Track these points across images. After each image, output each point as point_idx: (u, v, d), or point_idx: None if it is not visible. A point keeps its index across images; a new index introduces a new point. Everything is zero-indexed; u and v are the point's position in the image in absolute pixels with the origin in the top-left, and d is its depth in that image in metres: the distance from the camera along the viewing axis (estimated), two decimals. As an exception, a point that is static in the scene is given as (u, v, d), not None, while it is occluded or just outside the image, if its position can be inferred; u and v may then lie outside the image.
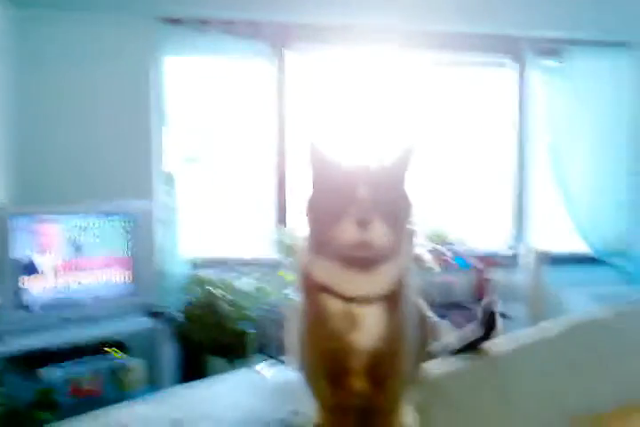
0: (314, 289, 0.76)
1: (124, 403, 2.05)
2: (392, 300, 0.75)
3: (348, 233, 0.71)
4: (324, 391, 0.78)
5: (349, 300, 0.74)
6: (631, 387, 1.11)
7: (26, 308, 2.65)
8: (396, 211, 0.73)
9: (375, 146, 0.83)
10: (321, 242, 0.74)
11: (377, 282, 0.75)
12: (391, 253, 0.74)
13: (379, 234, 0.71)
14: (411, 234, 0.78)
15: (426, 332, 0.87)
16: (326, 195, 0.74)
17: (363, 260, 0.73)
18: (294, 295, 0.80)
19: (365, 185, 0.72)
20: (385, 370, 0.76)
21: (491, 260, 3.64)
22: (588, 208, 3.75)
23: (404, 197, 0.76)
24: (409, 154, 0.77)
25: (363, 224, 0.70)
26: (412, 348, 0.80)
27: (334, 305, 0.75)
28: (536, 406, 0.97)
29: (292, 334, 0.82)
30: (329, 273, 0.75)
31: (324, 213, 0.73)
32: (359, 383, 0.76)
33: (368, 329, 0.74)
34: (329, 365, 0.77)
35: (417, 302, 0.85)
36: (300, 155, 0.78)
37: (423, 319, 0.87)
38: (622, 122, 3.72)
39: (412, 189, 0.78)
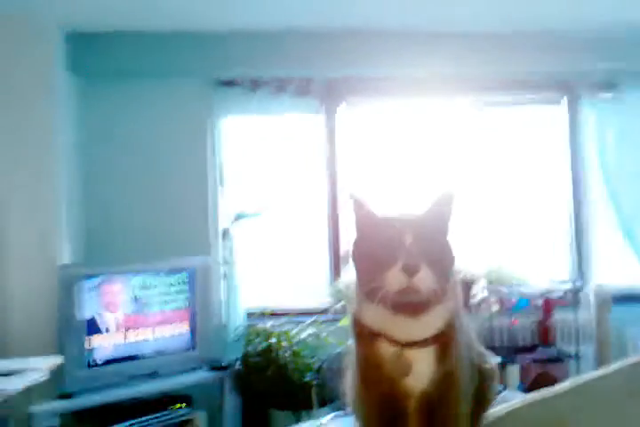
0: (365, 335, 0.78)
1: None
2: (443, 343, 0.75)
3: (396, 280, 0.72)
4: None
5: (400, 344, 0.75)
6: None
7: (91, 366, 2.70)
8: (440, 257, 0.75)
9: (421, 194, 0.85)
10: (369, 289, 0.75)
11: (427, 326, 0.76)
12: (439, 297, 0.75)
13: (425, 280, 0.72)
14: (457, 279, 0.79)
15: (485, 377, 0.86)
16: (372, 243, 0.76)
17: (411, 305, 0.74)
18: (350, 343, 0.81)
19: (410, 232, 0.74)
20: (439, 415, 0.75)
21: (554, 300, 3.55)
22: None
23: (448, 244, 0.78)
24: (451, 200, 0.79)
25: (410, 271, 0.72)
26: (470, 391, 0.79)
27: (386, 350, 0.76)
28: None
29: (350, 383, 0.83)
30: (379, 319, 0.77)
31: (370, 260, 0.75)
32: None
33: (420, 372, 0.75)
34: (383, 411, 0.77)
35: (473, 344, 0.85)
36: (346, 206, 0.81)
37: (483, 363, 0.86)
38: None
39: (455, 236, 0.80)
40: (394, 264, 0.73)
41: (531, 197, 3.81)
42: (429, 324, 0.76)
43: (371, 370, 0.77)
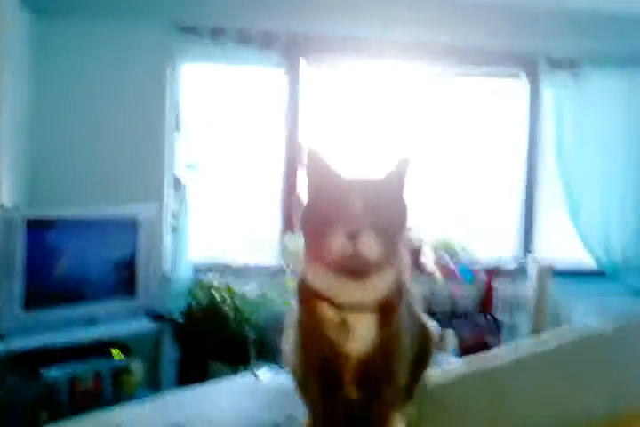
0: (309, 296, 0.77)
1: (124, 404, 2.05)
2: (386, 308, 0.75)
3: (339, 245, 0.71)
4: (316, 400, 0.78)
5: (342, 307, 0.75)
6: (628, 399, 1.10)
7: (27, 308, 2.65)
8: (389, 223, 0.74)
9: (377, 157, 0.84)
10: (314, 251, 0.75)
11: (370, 290, 0.75)
12: (385, 263, 0.74)
13: (369, 246, 0.71)
14: (406, 245, 0.78)
15: (425, 341, 0.86)
16: (320, 205, 0.74)
17: (355, 269, 0.73)
18: (294, 302, 0.80)
19: (358, 197, 0.73)
20: (378, 378, 0.76)
21: (496, 271, 3.63)
22: (595, 222, 3.74)
23: (399, 209, 0.77)
24: (406, 166, 0.78)
25: (354, 236, 0.71)
26: (409, 357, 0.80)
27: (328, 312, 0.75)
28: (532, 416, 0.96)
29: (289, 341, 0.82)
30: (323, 281, 0.76)
31: (317, 223, 0.74)
32: (352, 392, 0.76)
33: (360, 337, 0.75)
34: (322, 373, 0.77)
35: (416, 311, 0.85)
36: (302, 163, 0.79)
37: (423, 329, 0.86)
38: (633, 139, 3.71)
39: (410, 200, 0.78)
40: (338, 228, 0.72)
41: (484, 169, 3.85)
42: (372, 289, 0.75)
43: (312, 332, 0.77)
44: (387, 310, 0.75)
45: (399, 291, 0.77)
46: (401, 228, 0.76)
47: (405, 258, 0.81)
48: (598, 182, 3.72)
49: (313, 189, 0.77)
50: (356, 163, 0.83)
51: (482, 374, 0.98)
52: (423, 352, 0.86)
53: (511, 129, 3.87)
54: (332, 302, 0.75)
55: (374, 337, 0.74)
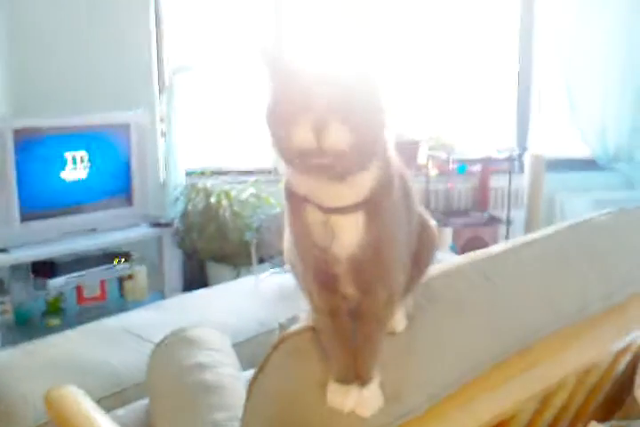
0: (295, 201, 0.74)
1: (130, 310, 2.12)
2: (370, 208, 0.72)
3: (301, 139, 0.65)
4: (316, 296, 0.78)
5: (326, 210, 0.72)
6: (622, 285, 1.12)
7: (25, 220, 2.65)
8: (363, 115, 0.66)
9: (351, 50, 0.76)
10: (279, 149, 0.69)
11: (351, 191, 0.71)
12: (365, 160, 0.69)
13: (337, 139, 0.64)
14: (389, 141, 0.73)
15: (427, 237, 0.85)
16: (283, 100, 0.68)
17: (325, 168, 0.67)
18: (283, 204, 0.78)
19: (326, 85, 0.65)
20: (370, 278, 0.75)
21: (492, 166, 3.62)
22: (593, 114, 3.68)
23: (375, 102, 0.69)
24: (381, 55, 0.70)
25: (317, 128, 0.64)
26: (405, 254, 0.79)
27: (313, 216, 0.72)
28: (526, 303, 0.98)
29: (286, 243, 0.81)
30: (304, 184, 0.72)
31: (280, 120, 0.67)
32: (348, 289, 0.76)
33: (345, 239, 0.72)
34: (317, 272, 0.77)
35: (414, 207, 0.83)
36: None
37: (423, 224, 0.85)
38: (636, 30, 3.56)
39: (390, 95, 0.72)
40: (303, 122, 0.65)
41: (478, 64, 3.73)
42: (353, 189, 0.71)
43: (301, 235, 0.75)
44: (372, 211, 0.71)
45: (386, 189, 0.73)
46: (379, 120, 0.68)
47: (391, 155, 0.75)
48: (597, 72, 3.62)
49: (275, 85, 0.70)
50: (323, 57, 0.75)
51: (474, 265, 0.99)
52: (424, 248, 0.85)
53: (507, 21, 3.71)
54: (316, 205, 0.72)
55: (361, 238, 0.72)
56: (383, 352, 0.78)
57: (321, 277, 0.76)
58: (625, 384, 1.33)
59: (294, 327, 0.84)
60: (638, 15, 3.55)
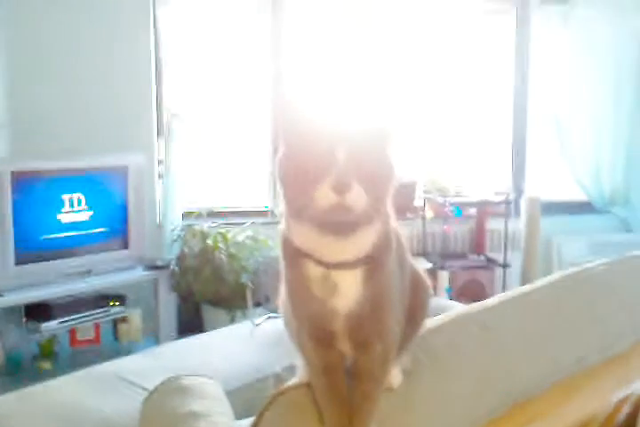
0: (293, 254, 0.75)
1: (124, 354, 2.09)
2: (372, 264, 0.73)
3: (325, 198, 0.68)
4: (312, 353, 0.78)
5: (327, 265, 0.73)
6: (619, 339, 1.11)
7: (20, 264, 2.63)
8: (376, 175, 0.70)
9: (361, 103, 0.79)
10: (297, 206, 0.71)
11: (355, 247, 0.73)
12: (370, 218, 0.71)
13: (357, 199, 0.68)
14: (391, 197, 0.75)
15: (420, 292, 0.85)
16: (301, 156, 0.70)
17: (340, 224, 0.70)
18: (280, 258, 0.78)
19: (344, 146, 0.68)
20: (367, 334, 0.75)
21: (489, 209, 3.64)
22: (587, 157, 3.72)
23: (386, 160, 0.73)
24: (394, 115, 0.73)
25: (340, 189, 0.67)
26: (400, 310, 0.79)
27: (314, 271, 0.73)
28: (525, 354, 0.97)
29: (282, 295, 0.81)
30: (307, 239, 0.73)
31: (299, 175, 0.69)
32: (344, 346, 0.76)
33: (346, 294, 0.73)
34: (313, 328, 0.77)
35: (407, 261, 0.83)
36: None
37: (416, 279, 0.85)
38: (626, 71, 3.64)
39: (398, 152, 0.75)
40: (323, 181, 0.68)
41: (475, 109, 3.80)
42: (357, 245, 0.72)
43: (299, 290, 0.75)
44: (373, 266, 0.73)
45: (386, 245, 0.74)
46: (389, 179, 0.72)
47: (392, 210, 0.77)
48: (592, 115, 3.68)
49: (290, 138, 0.73)
50: (342, 106, 0.77)
51: (472, 317, 0.98)
52: (418, 302, 0.85)
53: (503, 67, 3.79)
54: (316, 260, 0.73)
55: (361, 293, 0.73)
56: (380, 409, 0.77)
57: (317, 334, 0.76)
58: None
59: (292, 381, 0.83)
60: (628, 57, 3.62)
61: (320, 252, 0.72)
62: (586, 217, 3.82)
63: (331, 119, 0.73)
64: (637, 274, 1.30)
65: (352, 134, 0.71)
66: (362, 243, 0.72)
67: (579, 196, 3.83)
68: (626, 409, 1.22)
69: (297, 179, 0.70)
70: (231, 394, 1.65)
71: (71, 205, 2.78)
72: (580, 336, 1.05)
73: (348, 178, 0.67)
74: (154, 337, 3.03)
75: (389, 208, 0.76)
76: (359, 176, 0.68)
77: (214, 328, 2.36)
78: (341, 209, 0.68)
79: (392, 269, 0.75)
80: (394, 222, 0.78)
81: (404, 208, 3.46)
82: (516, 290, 1.11)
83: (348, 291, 0.73)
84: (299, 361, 0.87)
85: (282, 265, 0.77)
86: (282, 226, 0.76)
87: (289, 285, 0.77)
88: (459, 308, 1.04)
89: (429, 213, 3.57)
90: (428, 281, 0.88)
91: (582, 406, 1.00)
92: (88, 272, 2.82)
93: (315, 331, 0.76)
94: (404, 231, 0.85)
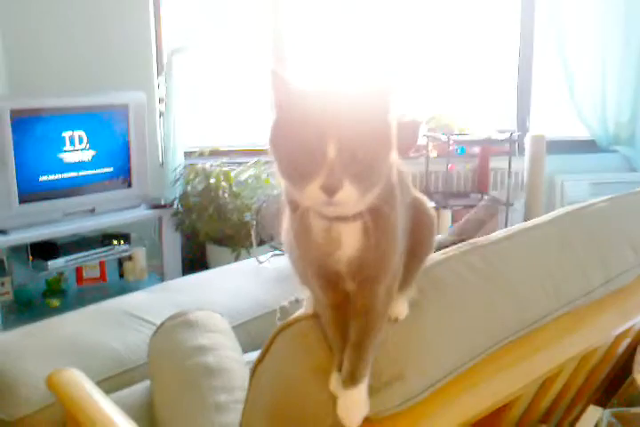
0: (297, 205, 0.74)
1: (129, 291, 2.11)
2: (373, 216, 0.72)
3: (314, 197, 0.66)
4: (318, 291, 0.79)
5: (330, 218, 0.72)
6: (623, 268, 1.12)
7: (28, 201, 2.64)
8: (370, 169, 0.67)
9: (361, 54, 0.74)
10: (289, 198, 0.72)
11: (358, 207, 0.71)
12: (372, 195, 0.70)
13: (348, 198, 0.66)
14: (394, 161, 0.73)
15: (425, 226, 0.85)
16: (291, 147, 0.67)
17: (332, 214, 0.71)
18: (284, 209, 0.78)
19: (335, 140, 0.65)
20: (369, 275, 0.75)
21: (493, 148, 3.60)
22: (593, 95, 3.66)
23: (384, 143, 0.69)
24: (388, 95, 0.68)
25: (330, 190, 0.65)
26: (403, 253, 0.79)
27: (316, 222, 0.73)
28: (529, 288, 0.98)
29: (285, 235, 0.81)
30: (306, 199, 0.72)
31: (290, 168, 0.68)
32: (350, 286, 0.77)
33: (350, 245, 0.73)
34: (318, 270, 0.78)
35: (414, 198, 0.83)
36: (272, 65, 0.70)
37: (422, 213, 0.85)
38: (635, 9, 3.52)
39: (394, 126, 0.70)
40: (313, 180, 0.66)
41: (479, 46, 3.70)
42: (357, 206, 0.71)
43: (303, 237, 0.76)
44: (374, 218, 0.72)
45: (389, 196, 0.73)
46: (384, 171, 0.70)
47: (392, 173, 0.74)
48: (597, 52, 3.59)
49: (281, 110, 0.70)
50: (337, 62, 0.72)
51: (477, 251, 0.98)
52: (423, 236, 0.85)
53: (508, 4, 3.68)
54: (319, 213, 0.73)
55: (364, 244, 0.73)
56: (386, 339, 0.78)
57: (322, 275, 0.77)
58: (623, 367, 1.34)
59: (298, 312, 0.84)
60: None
61: (321, 209, 0.72)
62: (590, 156, 3.79)
63: (324, 102, 0.68)
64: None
65: (347, 124, 0.66)
66: (362, 205, 0.71)
67: (583, 134, 3.79)
68: (626, 341, 1.25)
69: (289, 169, 0.69)
70: (238, 328, 1.69)
71: (72, 143, 2.76)
72: (584, 270, 1.06)
73: (338, 178, 0.65)
74: (159, 275, 3.07)
75: (393, 161, 0.74)
76: (350, 173, 0.66)
77: (219, 266, 2.37)
78: (331, 206, 0.67)
79: (396, 216, 0.75)
80: (397, 163, 0.77)
81: (408, 147, 3.43)
82: (519, 225, 1.11)
83: (351, 242, 0.73)
84: (305, 294, 0.88)
85: (286, 210, 0.77)
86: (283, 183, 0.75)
87: (294, 231, 0.77)
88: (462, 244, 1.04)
89: (433, 152, 3.54)
90: (434, 216, 0.88)
91: (585, 338, 1.02)
92: (92, 211, 2.83)
93: (320, 273, 0.77)
94: (407, 169, 0.84)
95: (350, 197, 0.67)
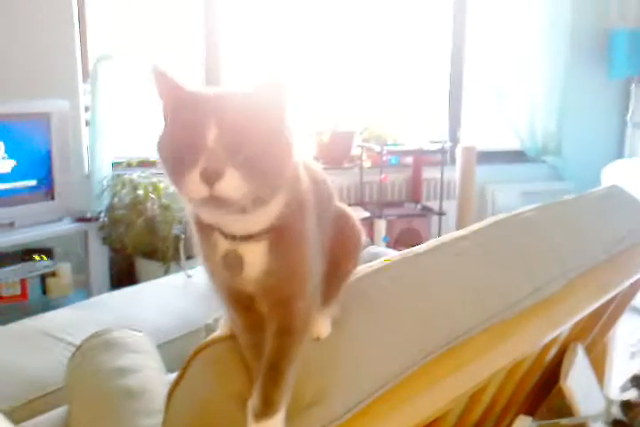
0: (203, 226, 0.70)
1: (53, 309, 2.01)
2: (279, 234, 0.68)
3: (194, 188, 0.60)
4: (233, 313, 0.75)
5: (234, 238, 0.68)
6: (548, 281, 1.12)
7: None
8: (259, 155, 0.61)
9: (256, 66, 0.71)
10: (177, 189, 0.64)
11: (259, 220, 0.67)
12: (266, 198, 0.64)
13: (232, 188, 0.60)
14: (297, 167, 0.69)
15: (350, 241, 0.82)
16: (172, 133, 0.63)
17: (220, 212, 0.64)
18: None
19: (217, 122, 0.60)
20: (281, 296, 0.71)
21: (425, 158, 3.64)
22: (522, 107, 3.75)
23: (276, 135, 0.63)
24: (283, 80, 0.64)
25: (209, 178, 0.59)
26: (318, 268, 0.75)
27: (221, 243, 0.69)
28: (455, 301, 0.96)
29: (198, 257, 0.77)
30: (209, 216, 0.68)
31: (170, 157, 0.62)
32: (263, 307, 0.73)
33: (254, 266, 0.69)
34: (230, 292, 0.74)
35: (337, 211, 0.80)
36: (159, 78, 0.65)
37: (348, 229, 0.82)
38: (561, 18, 3.64)
39: (292, 121, 0.65)
40: (193, 167, 0.60)
41: (412, 57, 3.75)
42: (258, 220, 0.67)
43: (209, 259, 0.72)
44: (280, 236, 0.68)
45: (294, 213, 0.68)
46: (281, 156, 0.63)
47: (300, 179, 0.70)
48: (526, 63, 3.69)
49: (165, 113, 0.66)
50: (258, 60, 0.69)
51: (404, 264, 0.97)
52: (347, 251, 0.82)
53: (439, 13, 3.74)
54: (223, 233, 0.68)
55: (270, 264, 0.69)
56: (307, 360, 0.74)
57: (234, 296, 0.74)
58: (551, 375, 1.34)
59: (213, 335, 0.79)
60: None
61: (223, 225, 0.68)
62: (519, 166, 3.89)
63: (208, 91, 0.64)
64: (566, 218, 1.31)
65: (226, 106, 0.62)
66: (264, 216, 0.67)
67: (513, 145, 3.89)
68: (553, 350, 1.25)
69: (170, 162, 0.63)
70: (165, 346, 1.63)
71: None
72: (511, 281, 1.05)
73: (218, 165, 0.59)
74: (85, 292, 2.94)
75: (297, 172, 0.69)
76: (234, 159, 0.60)
77: (148, 281, 2.29)
78: (214, 201, 0.61)
79: (306, 233, 0.71)
80: (310, 170, 0.74)
81: (342, 157, 3.43)
82: (447, 236, 1.10)
83: (255, 263, 0.69)
84: (222, 314, 0.84)
85: (193, 232, 0.72)
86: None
87: (200, 252, 0.73)
88: (389, 255, 1.02)
89: (366, 162, 3.55)
90: (360, 229, 0.85)
91: (513, 349, 1.01)
92: (11, 224, 2.69)
93: (232, 295, 0.74)
94: (332, 178, 0.80)
95: (233, 189, 0.60)
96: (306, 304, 0.73)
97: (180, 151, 0.61)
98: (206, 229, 0.69)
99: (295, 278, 0.71)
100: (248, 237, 0.67)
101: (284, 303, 0.72)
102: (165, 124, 0.65)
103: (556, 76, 3.73)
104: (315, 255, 0.73)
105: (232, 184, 0.60)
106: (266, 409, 0.69)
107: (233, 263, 0.69)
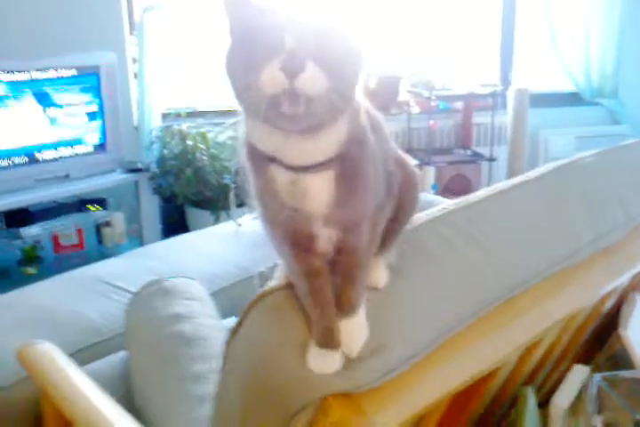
0: (260, 159, 0.67)
1: (108, 258, 2.06)
2: (344, 164, 0.66)
3: (272, 82, 0.58)
4: (291, 258, 0.73)
5: (294, 168, 0.65)
6: (611, 226, 1.08)
7: (0, 168, 2.55)
8: (340, 53, 0.60)
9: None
10: (243, 99, 0.62)
11: (324, 147, 0.65)
12: (340, 108, 0.61)
13: (313, 82, 0.58)
14: (361, 89, 0.66)
15: (408, 186, 0.79)
16: (249, 38, 0.60)
17: (301, 119, 0.60)
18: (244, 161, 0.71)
19: (295, 28, 0.58)
20: (347, 235, 0.70)
21: (475, 103, 3.54)
22: (577, 48, 3.59)
23: (351, 39, 0.62)
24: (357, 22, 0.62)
25: (291, 68, 0.57)
26: (384, 206, 0.74)
27: (281, 176, 0.66)
28: (515, 248, 0.94)
29: (254, 199, 0.74)
30: (269, 141, 0.65)
31: (246, 61, 0.60)
32: (323, 248, 0.71)
33: (319, 199, 0.66)
34: (288, 233, 0.71)
35: (395, 155, 0.77)
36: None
37: (404, 172, 0.79)
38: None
39: (365, 37, 0.63)
40: (271, 61, 0.58)
41: (462, 0, 3.60)
42: (324, 144, 0.64)
43: (268, 197, 0.69)
44: (345, 167, 0.66)
45: (359, 141, 0.67)
46: (354, 63, 0.62)
47: (363, 103, 0.68)
48: (580, 7, 3.51)
49: (235, 27, 0.64)
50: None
51: (461, 211, 0.94)
52: (404, 198, 0.80)
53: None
54: (283, 164, 0.65)
55: (335, 196, 0.66)
56: (366, 306, 0.75)
57: (294, 238, 0.71)
58: (608, 323, 1.32)
59: (272, 283, 0.79)
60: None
61: (285, 155, 0.65)
62: (573, 109, 3.75)
63: (283, 10, 0.61)
64: (629, 163, 1.26)
65: (309, 13, 0.60)
66: (330, 142, 0.65)
67: (567, 87, 3.74)
68: (612, 300, 1.22)
69: (244, 63, 0.60)
70: (218, 294, 1.66)
71: (44, 106, 2.65)
72: (572, 229, 1.02)
73: (299, 57, 0.58)
74: (138, 240, 3.01)
75: (359, 100, 0.67)
76: (319, 56, 0.58)
77: (199, 229, 2.32)
78: (294, 95, 0.58)
79: (371, 165, 0.69)
80: (370, 112, 0.71)
81: (389, 103, 3.36)
82: (504, 183, 1.06)
83: (320, 195, 0.66)
84: (280, 261, 0.83)
85: (247, 170, 0.70)
86: (242, 128, 0.68)
87: (257, 191, 0.70)
88: (445, 203, 0.99)
89: (415, 108, 3.47)
90: (417, 175, 0.82)
91: (571, 299, 0.99)
92: (66, 177, 2.75)
93: (291, 236, 0.71)
94: (387, 124, 0.78)
95: (315, 82, 0.58)
96: (370, 241, 0.73)
97: (254, 54, 0.59)
98: (263, 164, 0.67)
99: (360, 208, 0.70)
100: (311, 168, 0.65)
101: (349, 230, 0.71)
102: (234, 38, 0.64)
103: (613, 13, 3.54)
104: (379, 190, 0.71)
105: (314, 76, 0.58)
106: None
107: (296, 196, 0.66)
